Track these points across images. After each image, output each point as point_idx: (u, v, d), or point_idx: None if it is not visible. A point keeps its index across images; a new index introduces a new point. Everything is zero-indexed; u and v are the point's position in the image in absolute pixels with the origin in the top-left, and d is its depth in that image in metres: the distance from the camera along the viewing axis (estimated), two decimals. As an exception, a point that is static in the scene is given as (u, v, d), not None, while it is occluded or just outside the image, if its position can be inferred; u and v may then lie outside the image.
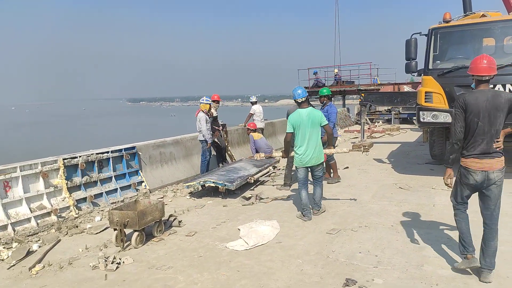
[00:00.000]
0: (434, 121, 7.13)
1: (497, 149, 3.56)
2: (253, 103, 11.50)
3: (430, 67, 7.43)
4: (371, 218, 5.49)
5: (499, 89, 6.47)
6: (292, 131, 5.64)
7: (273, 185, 7.82)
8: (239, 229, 5.22)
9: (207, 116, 8.47)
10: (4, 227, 5.18)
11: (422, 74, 7.70)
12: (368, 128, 17.03)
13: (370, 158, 10.52)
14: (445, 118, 7.06)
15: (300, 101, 5.67)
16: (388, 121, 20.79)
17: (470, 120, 3.58)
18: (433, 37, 7.47)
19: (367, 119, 18.18)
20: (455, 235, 4.64)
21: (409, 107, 13.56)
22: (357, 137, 15.03)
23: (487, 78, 3.59)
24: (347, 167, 9.37)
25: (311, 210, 5.73)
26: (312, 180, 5.88)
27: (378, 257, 4.17)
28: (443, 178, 3.89)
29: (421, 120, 7.40)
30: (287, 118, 7.01)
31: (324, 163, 6.07)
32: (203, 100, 8.62)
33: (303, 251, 4.44)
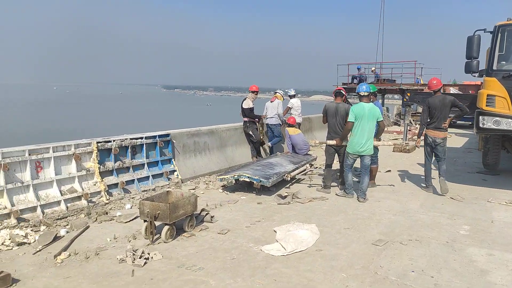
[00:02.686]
0: (496, 127, 6.38)
1: (444, 126, 6.47)
2: (291, 97, 11.03)
3: (495, 67, 6.67)
4: (421, 230, 4.96)
5: None
6: (354, 120, 6.14)
7: (310, 185, 7.37)
8: (275, 231, 4.83)
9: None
10: (33, 209, 5.03)
11: (484, 75, 6.97)
12: (409, 130, 16.13)
13: (413, 162, 9.85)
14: (509, 125, 6.32)
15: (362, 95, 6.26)
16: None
17: (432, 112, 6.53)
18: (499, 35, 6.70)
19: (411, 121, 17.25)
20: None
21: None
22: (396, 139, 14.29)
23: (437, 89, 6.53)
24: (389, 171, 8.77)
25: (358, 197, 6.33)
26: (360, 168, 6.45)
27: (435, 278, 3.67)
28: (415, 143, 7.30)
29: (481, 126, 6.64)
30: (323, 113, 6.69)
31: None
32: (279, 91, 10.06)
33: (346, 263, 4.00)
